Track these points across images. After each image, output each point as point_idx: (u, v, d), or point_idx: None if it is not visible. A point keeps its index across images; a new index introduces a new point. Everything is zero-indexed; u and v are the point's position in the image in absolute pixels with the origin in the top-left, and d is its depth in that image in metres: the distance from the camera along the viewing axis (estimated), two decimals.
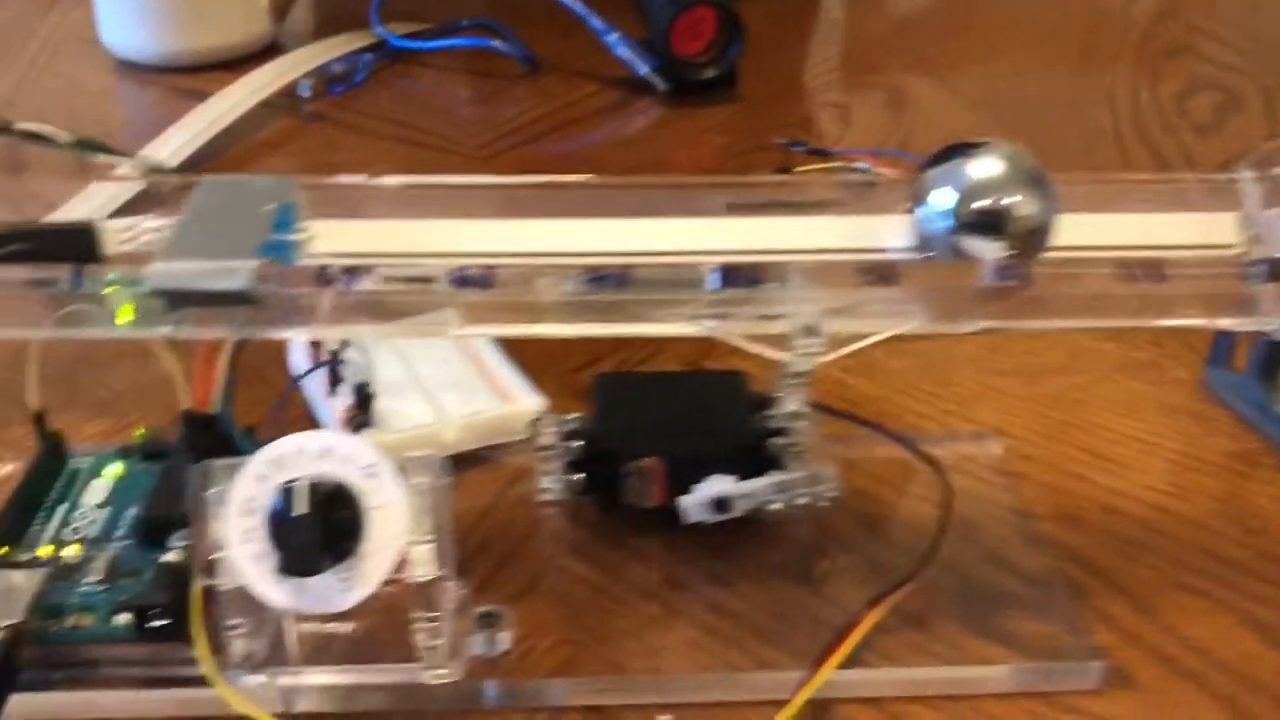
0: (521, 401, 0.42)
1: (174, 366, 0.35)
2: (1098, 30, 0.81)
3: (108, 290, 0.30)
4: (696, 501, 0.36)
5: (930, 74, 0.74)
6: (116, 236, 0.31)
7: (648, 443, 0.36)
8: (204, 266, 0.29)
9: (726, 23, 0.69)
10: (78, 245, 0.31)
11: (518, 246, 0.31)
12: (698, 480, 0.36)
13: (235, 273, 0.29)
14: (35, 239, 0.31)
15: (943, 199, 0.31)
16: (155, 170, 0.45)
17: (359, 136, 0.67)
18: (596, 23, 0.70)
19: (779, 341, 0.32)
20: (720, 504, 0.36)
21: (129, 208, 0.54)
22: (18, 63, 0.76)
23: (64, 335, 0.32)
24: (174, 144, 0.63)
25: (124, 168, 0.54)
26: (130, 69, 0.75)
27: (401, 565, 0.31)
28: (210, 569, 0.31)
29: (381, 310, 0.30)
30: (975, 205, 0.30)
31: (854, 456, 0.40)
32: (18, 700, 0.31)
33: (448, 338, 0.31)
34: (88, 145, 0.41)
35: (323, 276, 0.29)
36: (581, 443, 0.37)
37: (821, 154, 0.63)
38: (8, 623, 0.31)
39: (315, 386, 0.43)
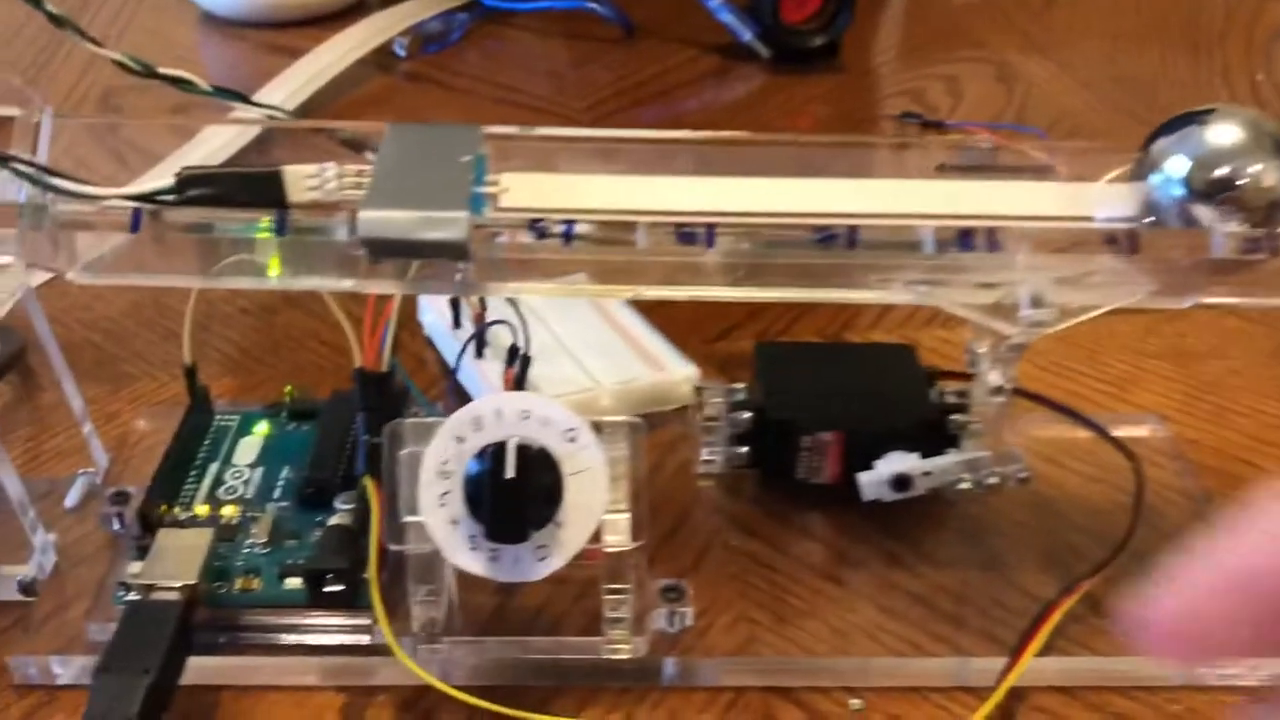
0: (675, 370, 0.40)
1: (343, 321, 0.33)
2: (1202, 9, 0.79)
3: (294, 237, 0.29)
4: (877, 479, 0.34)
5: (1036, 49, 0.72)
6: (302, 183, 0.30)
7: (824, 416, 0.35)
8: (417, 216, 0.27)
9: None
10: (264, 191, 0.30)
11: (723, 204, 0.29)
12: (874, 456, 0.35)
13: (452, 223, 0.27)
14: (219, 184, 0.30)
15: (1176, 166, 0.29)
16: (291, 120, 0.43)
17: (457, 96, 0.66)
18: None
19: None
20: (901, 482, 0.34)
21: (243, 155, 0.53)
22: (100, 17, 0.75)
23: (240, 284, 0.31)
24: (273, 100, 0.61)
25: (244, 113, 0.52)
26: (216, 23, 0.74)
27: (594, 534, 0.29)
28: (397, 533, 0.29)
29: (593, 268, 0.28)
30: (1212, 174, 0.29)
31: (1024, 437, 0.39)
32: (190, 664, 0.30)
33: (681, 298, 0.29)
34: (226, 93, 0.39)
35: (538, 229, 0.28)
36: (750, 414, 0.36)
37: (936, 126, 0.62)
38: (181, 583, 0.30)
39: (452, 346, 0.42)
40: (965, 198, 0.30)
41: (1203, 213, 0.29)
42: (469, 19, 0.72)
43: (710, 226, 0.28)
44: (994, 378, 0.32)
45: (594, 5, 0.73)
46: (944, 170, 0.31)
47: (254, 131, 0.56)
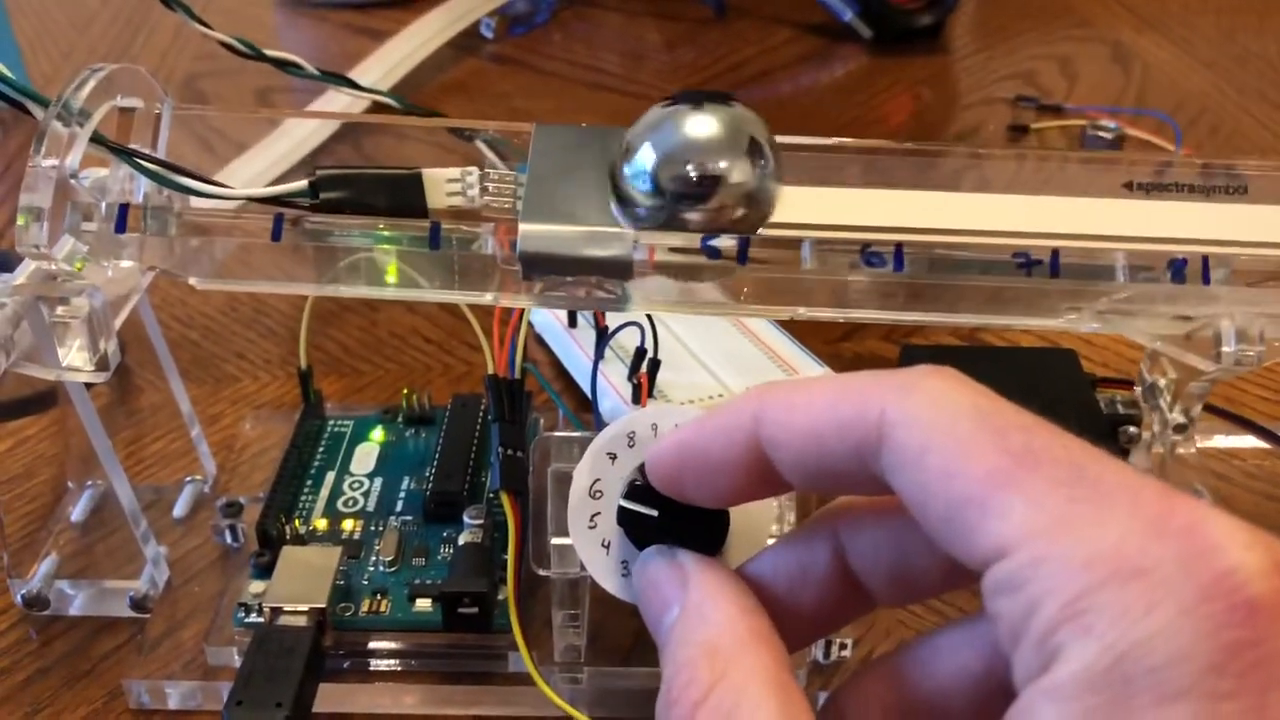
0: (810, 375, 0.38)
1: (477, 329, 0.31)
2: None
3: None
4: None
5: (1150, 27, 0.68)
6: (443, 187, 0.28)
7: None
8: (580, 231, 0.25)
9: None
10: (403, 195, 0.27)
11: (905, 220, 0.27)
12: None
13: (616, 239, 0.25)
14: (356, 186, 0.27)
15: None
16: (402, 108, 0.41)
17: (548, 79, 0.63)
18: None
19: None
20: None
21: (330, 146, 0.51)
22: None
23: (370, 294, 0.29)
24: (364, 83, 0.59)
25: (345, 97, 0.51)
26: (296, 5, 0.72)
27: None
28: (543, 556, 0.27)
29: (756, 286, 0.26)
30: None
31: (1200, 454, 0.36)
32: (321, 690, 0.28)
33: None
34: (334, 78, 0.37)
35: (708, 248, 0.25)
36: None
37: (1055, 110, 0.58)
38: (309, 606, 0.28)
39: (567, 346, 0.40)
40: (1161, 220, 0.28)
41: None
42: (556, 0, 0.70)
43: (899, 246, 0.25)
44: (1176, 415, 0.29)
45: None
46: (1132, 189, 0.29)
47: (338, 121, 0.54)
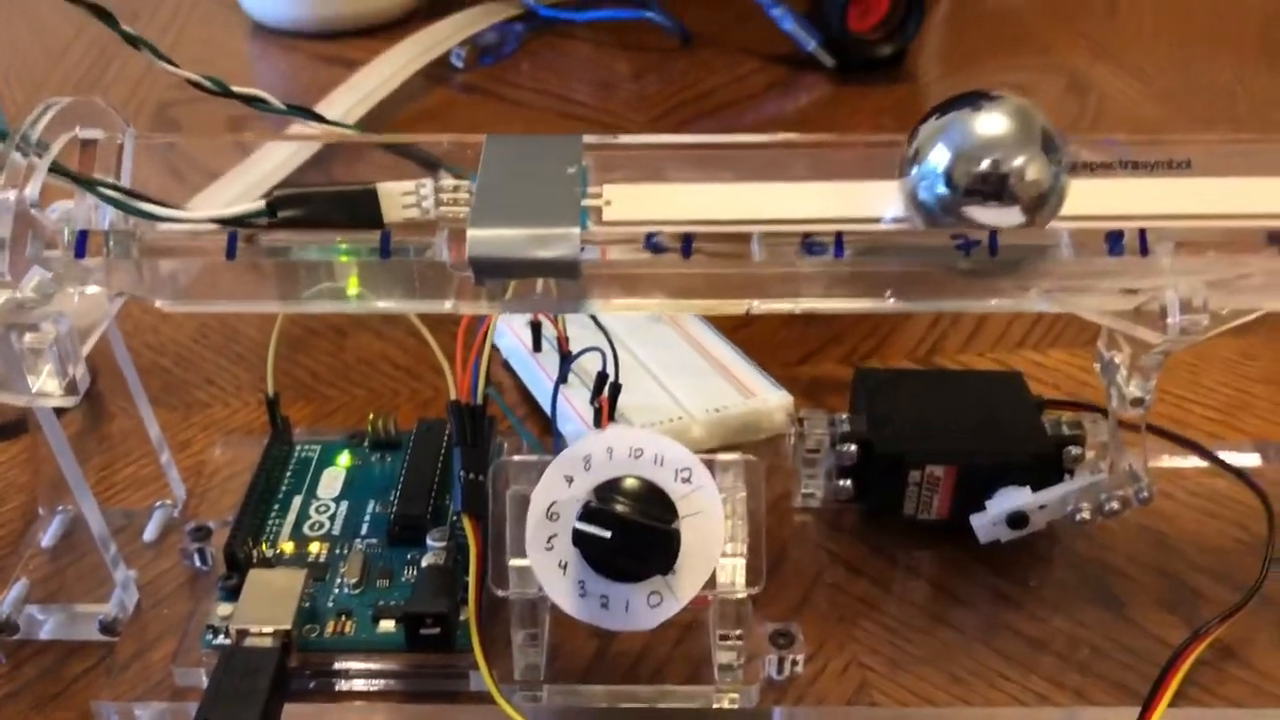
0: (768, 398, 0.39)
1: (436, 351, 0.32)
2: (1276, 12, 0.77)
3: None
4: (992, 519, 0.33)
5: (1107, 56, 0.70)
6: (398, 200, 0.28)
7: (935, 450, 0.33)
8: (527, 233, 0.26)
9: None
10: (359, 210, 0.28)
11: (846, 211, 0.28)
12: (986, 492, 0.33)
13: (563, 240, 0.26)
14: (312, 204, 0.28)
15: None
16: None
17: (517, 108, 0.64)
18: None
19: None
20: (1017, 520, 0.33)
21: (302, 172, 0.52)
22: (151, 26, 0.74)
23: (335, 309, 0.30)
24: (333, 113, 0.60)
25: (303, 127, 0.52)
26: (269, 34, 0.73)
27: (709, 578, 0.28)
28: (501, 576, 0.28)
29: (707, 282, 0.27)
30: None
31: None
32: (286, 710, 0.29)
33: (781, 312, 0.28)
34: (301, 111, 0.38)
35: (652, 244, 0.26)
36: (856, 446, 0.34)
37: None
38: (275, 628, 0.29)
39: (531, 370, 0.41)
40: (1105, 197, 0.29)
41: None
42: (525, 30, 0.71)
43: (839, 235, 0.26)
44: (1133, 389, 0.30)
45: (651, 15, 0.71)
46: (1075, 169, 0.30)
47: (312, 148, 0.55)
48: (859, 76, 0.67)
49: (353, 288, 0.29)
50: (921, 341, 0.45)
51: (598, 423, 0.36)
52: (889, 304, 0.27)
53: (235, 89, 0.37)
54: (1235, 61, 0.70)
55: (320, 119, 0.41)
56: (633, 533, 0.26)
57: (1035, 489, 0.33)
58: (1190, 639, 0.31)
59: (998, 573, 0.34)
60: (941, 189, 0.27)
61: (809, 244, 0.27)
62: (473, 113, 0.64)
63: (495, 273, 0.26)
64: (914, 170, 0.27)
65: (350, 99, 0.61)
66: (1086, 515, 0.32)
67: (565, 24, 0.72)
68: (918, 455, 0.33)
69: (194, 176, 0.53)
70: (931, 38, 0.72)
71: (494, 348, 0.43)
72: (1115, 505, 0.32)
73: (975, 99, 0.27)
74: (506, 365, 0.43)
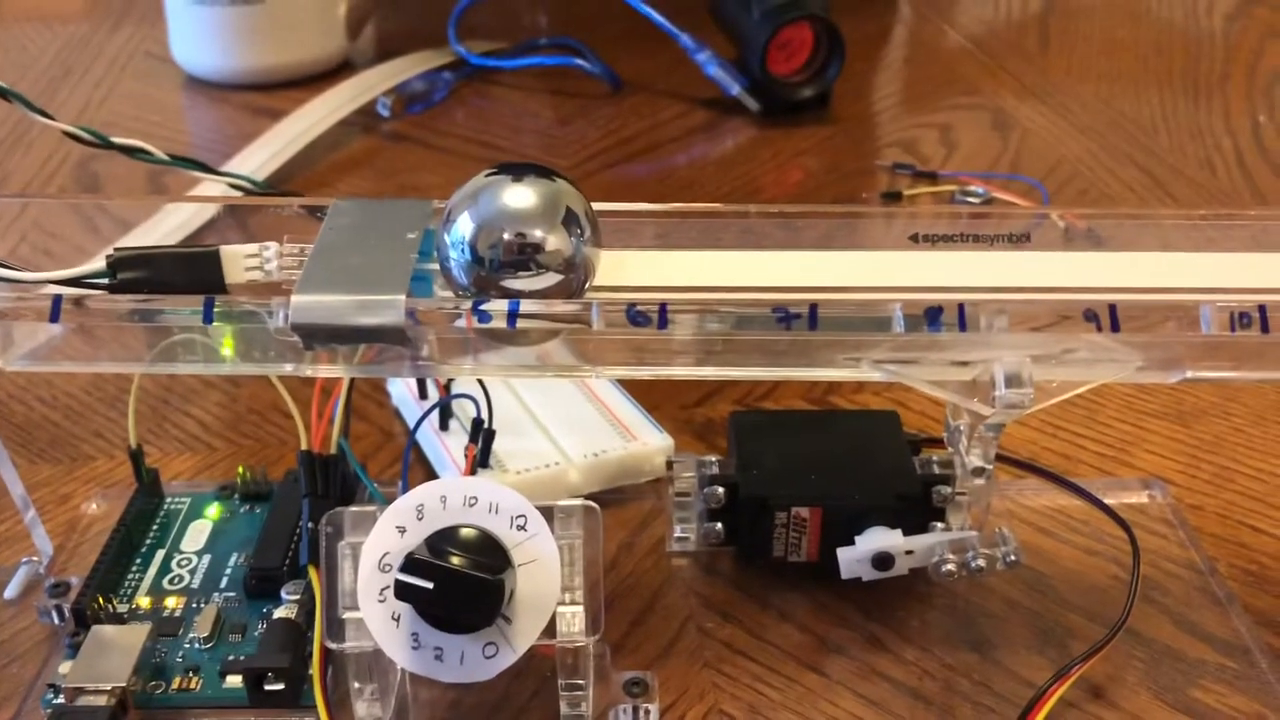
0: (649, 441, 0.38)
1: (289, 403, 0.32)
2: (1202, 51, 0.78)
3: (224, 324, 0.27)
4: (857, 556, 0.32)
5: (1032, 95, 0.71)
6: (241, 263, 0.28)
7: (801, 492, 0.33)
8: (350, 300, 0.26)
9: (825, 40, 0.66)
10: (201, 272, 0.28)
11: (686, 279, 0.28)
12: (854, 532, 0.33)
13: (388, 307, 0.25)
14: (154, 266, 0.28)
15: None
16: (254, 189, 0.42)
17: (442, 156, 0.65)
18: (687, 41, 0.67)
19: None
20: (882, 561, 0.32)
21: (215, 224, 0.52)
22: (86, 80, 0.74)
23: (178, 370, 0.29)
24: (253, 162, 0.60)
25: (210, 186, 0.52)
26: (201, 86, 0.73)
27: (549, 627, 0.28)
28: (336, 630, 0.28)
29: (549, 349, 0.27)
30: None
31: (1015, 506, 0.37)
32: None
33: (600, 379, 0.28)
34: (185, 162, 0.38)
35: (479, 313, 0.26)
36: (723, 489, 0.34)
37: (930, 177, 0.60)
38: (112, 686, 0.28)
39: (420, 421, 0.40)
40: (937, 270, 0.29)
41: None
42: (454, 78, 0.71)
43: (663, 306, 0.26)
44: (974, 458, 0.30)
45: (581, 62, 0.72)
46: (918, 240, 0.30)
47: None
48: (784, 119, 0.67)
49: (209, 353, 0.29)
50: (819, 383, 0.45)
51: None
52: (708, 370, 0.27)
53: (116, 140, 0.37)
54: (1159, 97, 0.70)
55: (210, 170, 0.41)
56: (455, 583, 0.26)
57: (905, 528, 0.33)
58: (1053, 679, 0.30)
59: (869, 615, 0.34)
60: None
61: (633, 314, 0.26)
62: (396, 160, 0.64)
63: (321, 339, 0.26)
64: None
65: (272, 148, 0.62)
66: (952, 568, 0.32)
67: (495, 72, 0.73)
68: (783, 497, 0.33)
69: (109, 228, 0.53)
70: (858, 80, 0.73)
71: (388, 394, 0.43)
72: (981, 564, 0.32)
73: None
74: (397, 413, 0.42)
